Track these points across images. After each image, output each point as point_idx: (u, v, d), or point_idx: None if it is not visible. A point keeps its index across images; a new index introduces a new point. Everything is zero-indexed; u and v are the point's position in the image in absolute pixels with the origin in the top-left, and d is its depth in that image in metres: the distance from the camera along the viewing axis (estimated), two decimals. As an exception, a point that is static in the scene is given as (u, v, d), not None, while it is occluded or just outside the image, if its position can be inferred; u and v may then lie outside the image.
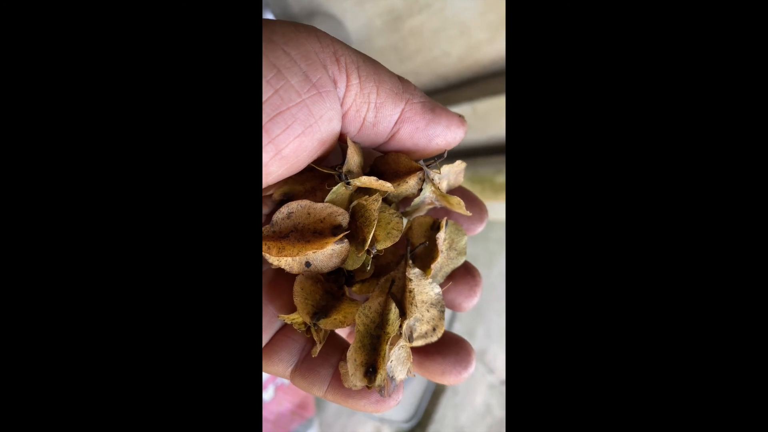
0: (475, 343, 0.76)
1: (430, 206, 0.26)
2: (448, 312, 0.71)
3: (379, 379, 0.21)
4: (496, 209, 0.68)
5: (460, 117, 0.24)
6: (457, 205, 0.24)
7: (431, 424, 0.70)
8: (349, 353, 0.22)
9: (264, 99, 0.18)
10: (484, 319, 0.76)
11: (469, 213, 0.25)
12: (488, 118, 0.67)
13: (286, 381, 0.61)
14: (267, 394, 0.59)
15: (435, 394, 0.72)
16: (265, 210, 0.25)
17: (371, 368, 0.22)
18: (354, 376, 0.22)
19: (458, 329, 0.76)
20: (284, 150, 0.19)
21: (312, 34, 0.20)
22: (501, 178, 0.65)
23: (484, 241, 0.79)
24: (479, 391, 0.72)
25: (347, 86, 0.21)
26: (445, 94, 0.70)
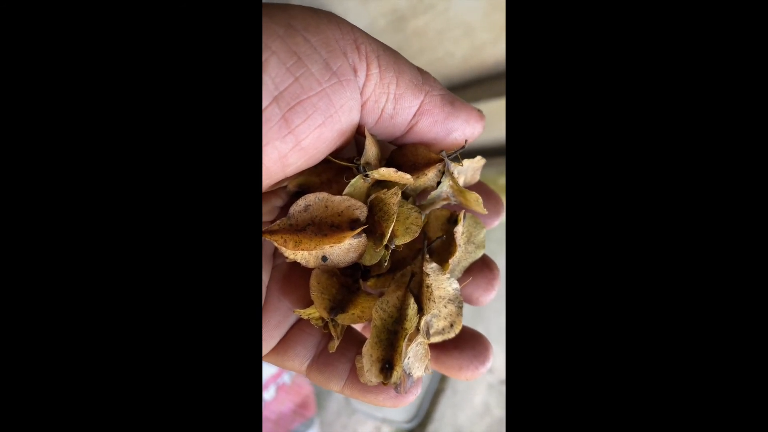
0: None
1: (445, 202, 0.26)
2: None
3: (396, 376, 0.21)
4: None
5: (479, 111, 0.24)
6: (475, 202, 0.24)
7: (430, 424, 0.70)
8: (365, 349, 0.22)
9: (284, 87, 0.18)
10: (484, 318, 0.76)
11: (485, 212, 0.24)
12: (492, 120, 0.67)
13: (288, 380, 0.61)
14: (268, 394, 0.58)
15: (434, 394, 0.72)
16: (280, 202, 0.24)
17: (387, 364, 0.21)
18: (369, 372, 0.21)
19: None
20: (304, 141, 0.19)
21: (333, 20, 0.20)
22: (503, 180, 0.65)
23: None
24: (478, 391, 0.72)
25: (367, 75, 0.20)
26: (448, 94, 0.70)
